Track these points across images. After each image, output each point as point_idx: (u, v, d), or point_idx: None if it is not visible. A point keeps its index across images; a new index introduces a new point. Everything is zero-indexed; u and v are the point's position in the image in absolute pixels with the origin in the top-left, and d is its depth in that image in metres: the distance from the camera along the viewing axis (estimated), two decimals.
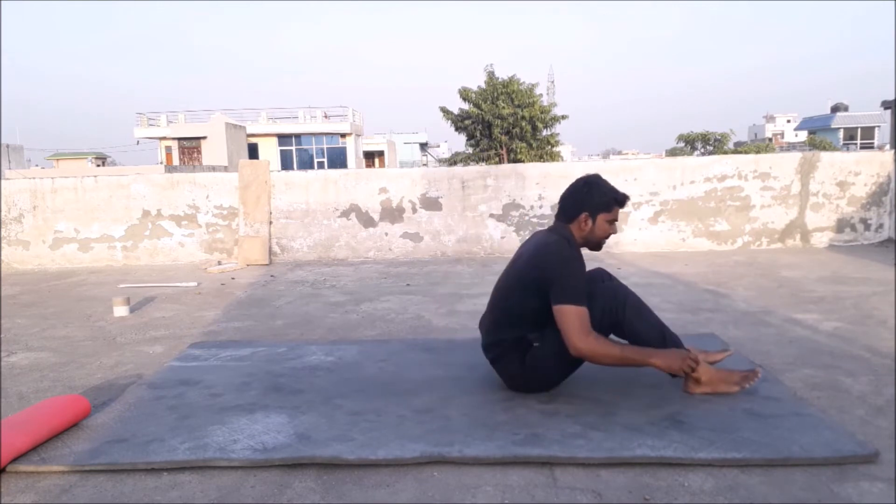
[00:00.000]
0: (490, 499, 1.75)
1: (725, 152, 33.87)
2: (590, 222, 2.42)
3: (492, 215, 6.72)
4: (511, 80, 25.99)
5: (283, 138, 33.40)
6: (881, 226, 6.65)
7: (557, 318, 2.29)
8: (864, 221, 6.61)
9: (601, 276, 2.61)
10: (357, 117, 35.42)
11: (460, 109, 26.80)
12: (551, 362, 2.41)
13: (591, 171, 6.97)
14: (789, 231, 6.59)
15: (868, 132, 41.61)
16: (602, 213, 2.42)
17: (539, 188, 6.69)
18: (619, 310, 2.40)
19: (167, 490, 1.85)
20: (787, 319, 3.59)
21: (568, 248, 2.39)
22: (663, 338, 2.42)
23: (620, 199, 2.44)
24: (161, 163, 28.89)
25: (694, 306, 3.99)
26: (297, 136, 33.61)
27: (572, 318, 2.25)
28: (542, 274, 2.35)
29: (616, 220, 2.47)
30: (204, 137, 27.79)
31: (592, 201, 2.41)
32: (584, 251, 2.49)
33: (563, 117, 27.00)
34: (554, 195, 6.66)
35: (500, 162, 24.67)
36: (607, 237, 2.48)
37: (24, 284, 5.75)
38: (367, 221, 6.76)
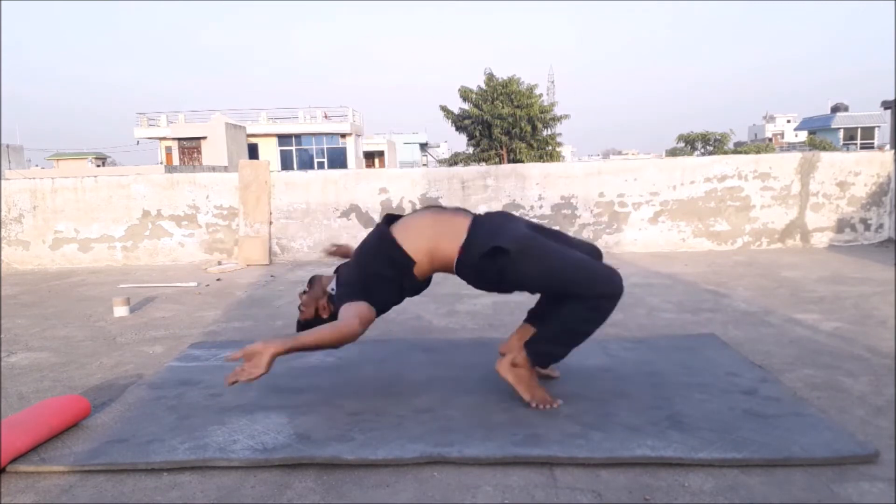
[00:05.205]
0: (490, 499, 1.75)
1: (725, 152, 33.85)
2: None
3: None
4: (510, 81, 25.98)
5: (284, 138, 33.37)
6: (881, 226, 6.65)
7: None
8: (864, 221, 6.61)
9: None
10: (357, 117, 35.38)
11: (460, 109, 26.81)
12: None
13: (592, 171, 6.91)
14: (789, 231, 6.59)
15: (868, 132, 41.52)
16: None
17: (539, 188, 6.69)
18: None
19: (167, 490, 1.85)
20: (788, 319, 3.59)
21: None
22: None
23: None
24: (161, 163, 28.85)
25: (694, 306, 3.99)
26: (298, 136, 33.56)
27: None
28: None
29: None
30: (204, 137, 27.76)
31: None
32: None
33: (564, 117, 26.99)
34: (554, 195, 6.66)
35: (501, 162, 24.66)
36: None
37: (24, 284, 5.75)
38: (368, 221, 6.76)
